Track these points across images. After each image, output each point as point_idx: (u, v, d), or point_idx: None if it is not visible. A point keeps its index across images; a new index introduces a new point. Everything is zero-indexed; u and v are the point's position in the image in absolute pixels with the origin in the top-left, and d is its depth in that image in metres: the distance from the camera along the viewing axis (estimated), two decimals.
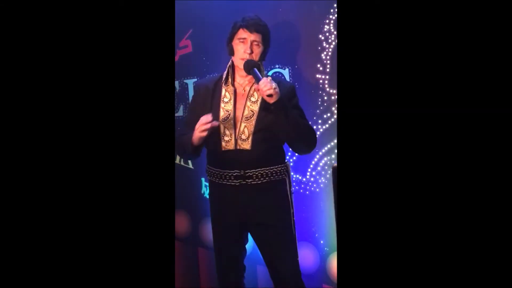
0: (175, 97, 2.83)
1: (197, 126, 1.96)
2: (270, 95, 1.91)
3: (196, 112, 2.12)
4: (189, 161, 2.80)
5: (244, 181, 2.04)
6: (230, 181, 2.06)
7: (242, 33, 2.04)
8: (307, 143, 2.09)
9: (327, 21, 2.24)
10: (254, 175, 2.02)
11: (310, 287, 2.42)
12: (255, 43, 2.03)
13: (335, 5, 2.19)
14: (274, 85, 1.91)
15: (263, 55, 2.08)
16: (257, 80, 1.94)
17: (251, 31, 2.02)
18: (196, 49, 2.77)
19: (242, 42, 2.04)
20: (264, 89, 1.90)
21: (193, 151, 2.04)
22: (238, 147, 2.03)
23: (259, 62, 2.04)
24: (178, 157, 2.78)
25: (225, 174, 2.06)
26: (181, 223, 2.86)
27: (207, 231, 2.73)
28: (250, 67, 1.99)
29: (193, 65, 2.79)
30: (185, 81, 2.84)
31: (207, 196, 2.26)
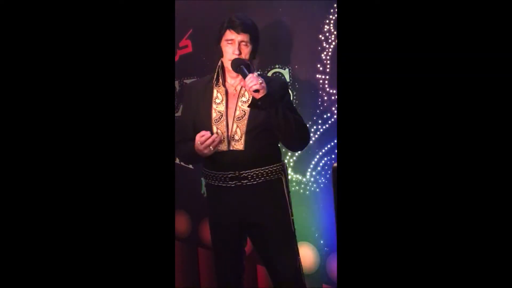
0: (175, 97, 2.83)
1: (200, 144, 1.96)
2: (256, 91, 1.89)
3: (190, 114, 2.12)
4: None
5: (239, 182, 2.03)
6: (225, 182, 2.05)
7: (229, 35, 2.01)
8: (298, 138, 2.07)
9: (327, 21, 2.24)
10: (249, 176, 2.01)
11: (310, 287, 2.42)
12: (243, 43, 2.00)
13: (335, 5, 2.19)
14: (260, 80, 1.89)
15: (252, 54, 2.05)
16: (244, 77, 1.92)
17: (238, 32, 1.99)
18: (196, 49, 2.77)
19: (230, 43, 2.01)
20: (250, 84, 1.89)
21: (196, 161, 2.12)
22: (231, 148, 2.02)
23: (248, 62, 2.01)
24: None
25: (220, 176, 2.05)
26: (181, 223, 2.86)
27: (207, 231, 2.73)
28: (237, 65, 1.97)
29: (193, 65, 2.79)
30: (185, 81, 2.83)
31: None
